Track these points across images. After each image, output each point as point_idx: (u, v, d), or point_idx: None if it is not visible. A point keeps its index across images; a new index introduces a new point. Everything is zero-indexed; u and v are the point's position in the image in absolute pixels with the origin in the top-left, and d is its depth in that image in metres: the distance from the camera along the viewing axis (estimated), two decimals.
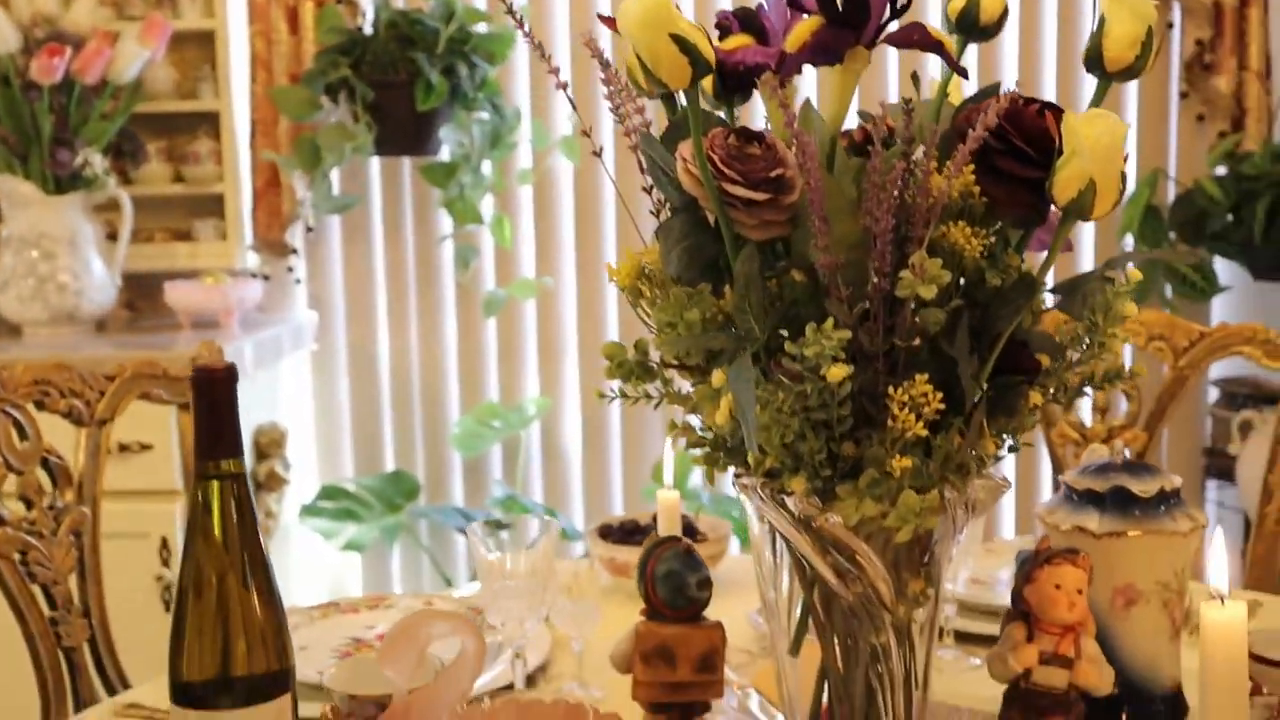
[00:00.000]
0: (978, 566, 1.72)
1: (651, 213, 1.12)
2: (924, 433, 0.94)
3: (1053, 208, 1.02)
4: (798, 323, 0.96)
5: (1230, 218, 3.10)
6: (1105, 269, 1.04)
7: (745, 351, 0.95)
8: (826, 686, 1.13)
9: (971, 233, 0.98)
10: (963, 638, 1.55)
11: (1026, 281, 1.00)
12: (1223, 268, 3.09)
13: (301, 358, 3.34)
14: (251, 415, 3.06)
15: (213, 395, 0.99)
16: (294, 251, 3.26)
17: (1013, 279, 1.01)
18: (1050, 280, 1.05)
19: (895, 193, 0.96)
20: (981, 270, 1.00)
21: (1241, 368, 3.30)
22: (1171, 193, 3.16)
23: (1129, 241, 3.14)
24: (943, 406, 0.94)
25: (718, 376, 0.97)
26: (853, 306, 0.98)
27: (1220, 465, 3.14)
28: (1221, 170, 3.02)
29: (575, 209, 3.19)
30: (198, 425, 0.99)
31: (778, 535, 1.11)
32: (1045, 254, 1.07)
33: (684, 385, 1.13)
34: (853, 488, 0.98)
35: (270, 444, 3.09)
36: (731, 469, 1.10)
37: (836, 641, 1.10)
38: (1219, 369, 3.29)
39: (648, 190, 1.11)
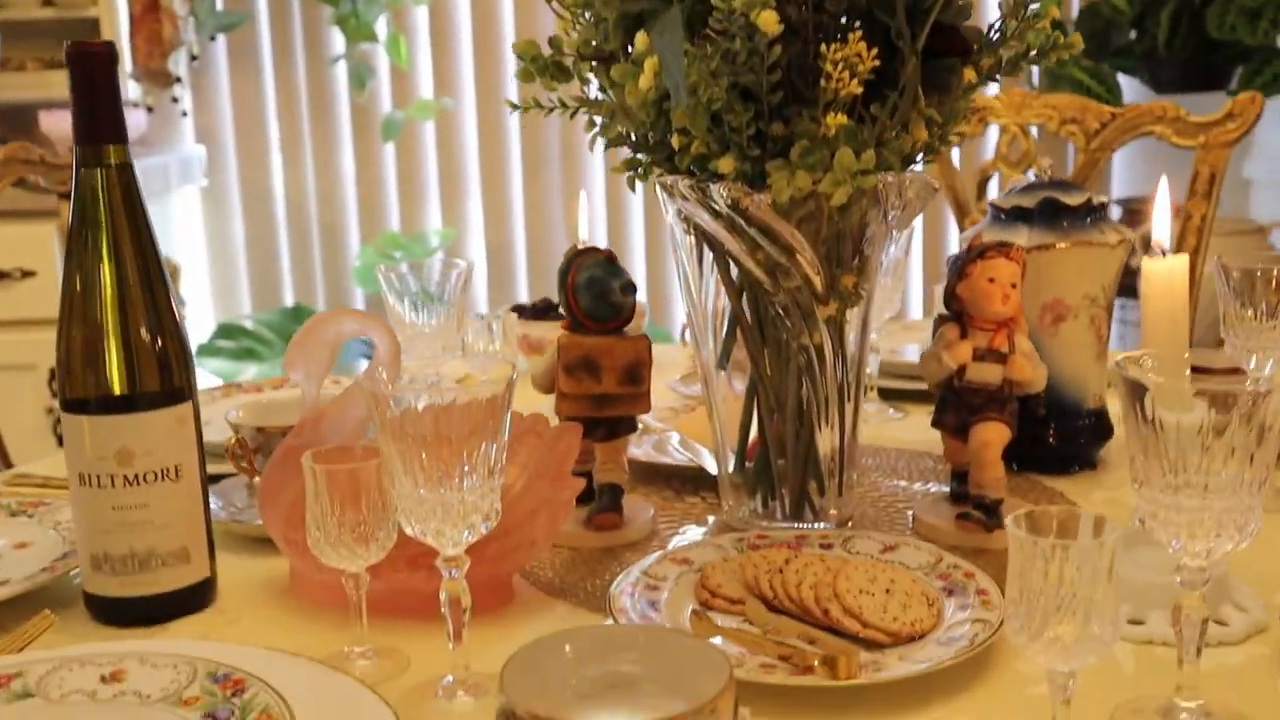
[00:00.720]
0: (894, 340, 1.72)
1: None
2: (858, 90, 0.89)
3: None
4: None
5: (1134, 34, 3.10)
6: None
7: (670, 5, 0.89)
8: (756, 405, 1.10)
9: None
10: (884, 394, 1.53)
11: None
12: (1126, 86, 3.09)
13: (191, 193, 3.20)
14: None
15: (91, 73, 0.90)
16: (178, 80, 3.10)
17: None
18: None
19: None
20: None
21: (1143, 187, 3.33)
22: (1075, 7, 3.14)
23: None
24: (877, 64, 0.90)
25: (641, 38, 0.91)
26: None
27: (1125, 284, 3.18)
28: None
29: (473, 26, 3.07)
30: (76, 108, 0.91)
31: (704, 244, 1.06)
32: None
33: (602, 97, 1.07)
34: (784, 163, 0.93)
35: None
36: (656, 174, 1.05)
37: (767, 351, 1.06)
38: (1120, 188, 3.32)
39: None
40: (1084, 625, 0.65)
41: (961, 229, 2.16)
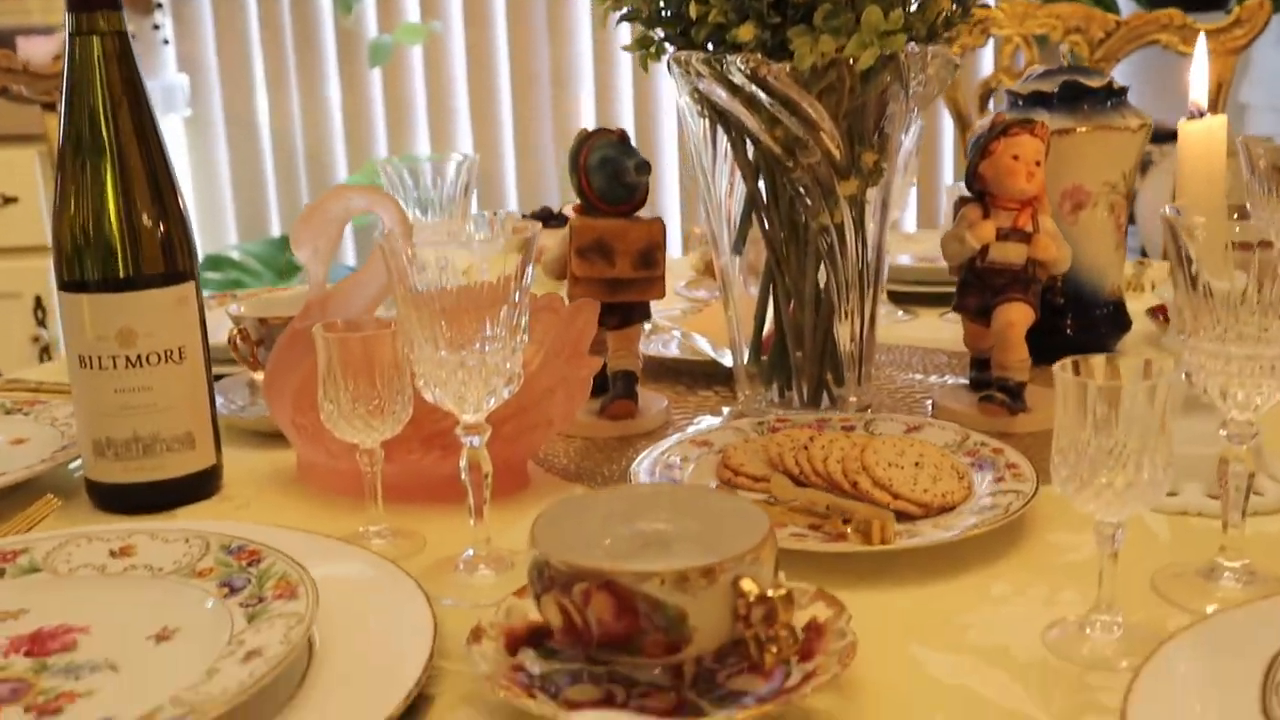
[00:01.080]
0: (894, 249, 1.69)
1: None
2: None
3: None
4: None
5: None
6: None
7: None
8: (772, 293, 1.07)
9: None
10: (893, 297, 1.51)
11: None
12: (1124, 7, 3.05)
13: (174, 123, 3.14)
14: None
15: None
16: (159, 6, 3.04)
17: None
18: None
19: None
20: None
21: (1140, 106, 3.30)
22: None
23: None
24: None
25: None
26: None
27: None
28: None
29: None
30: None
31: (718, 127, 1.03)
32: None
33: None
34: (806, 28, 0.90)
35: None
36: (668, 52, 1.01)
37: (784, 235, 1.03)
38: None
39: None
40: (1135, 471, 0.63)
41: (964, 143, 2.13)
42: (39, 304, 2.57)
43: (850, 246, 1.02)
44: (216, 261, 3.06)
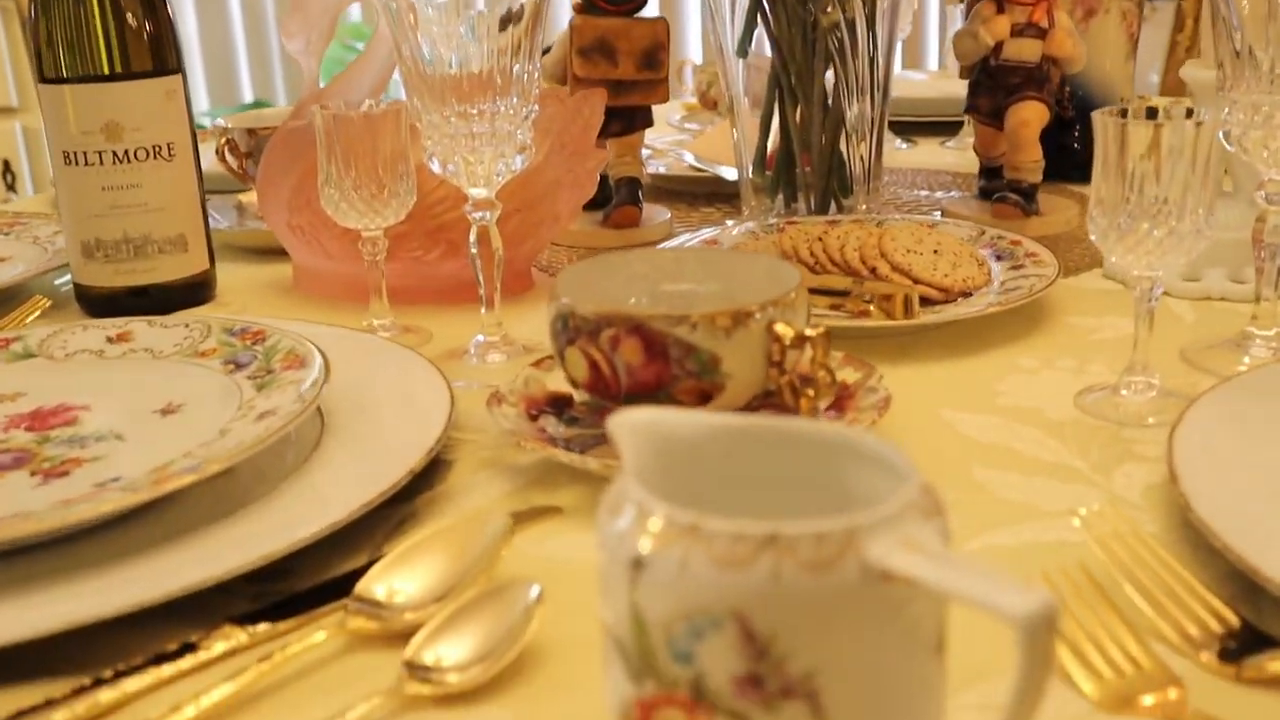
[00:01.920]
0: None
1: None
2: None
3: None
4: None
5: None
6: None
7: None
8: (778, 100, 1.04)
9: None
10: (892, 128, 1.48)
11: None
12: None
13: None
14: None
15: None
16: None
17: None
18: None
19: None
20: None
21: None
22: None
23: None
24: None
25: None
26: None
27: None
28: None
29: None
30: None
31: None
32: None
33: None
34: None
35: None
36: None
37: (792, 31, 1.00)
38: None
39: None
40: (1177, 219, 0.61)
41: None
42: (7, 167, 2.50)
43: (861, 44, 0.98)
44: None
